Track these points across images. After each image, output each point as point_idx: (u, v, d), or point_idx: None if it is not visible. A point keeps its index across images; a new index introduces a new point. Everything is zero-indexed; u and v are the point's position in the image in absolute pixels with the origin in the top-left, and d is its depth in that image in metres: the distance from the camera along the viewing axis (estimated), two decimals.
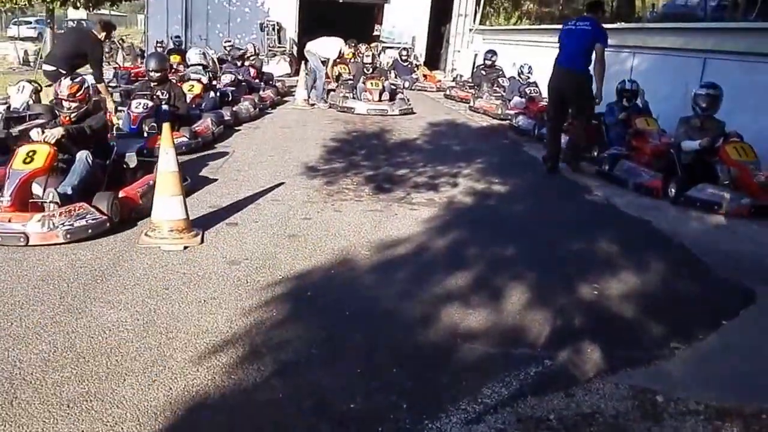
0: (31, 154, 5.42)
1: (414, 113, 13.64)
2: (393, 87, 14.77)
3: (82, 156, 5.58)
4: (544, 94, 10.84)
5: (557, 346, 3.78)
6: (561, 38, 8.67)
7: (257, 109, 12.51)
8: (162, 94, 8.92)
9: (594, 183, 8.06)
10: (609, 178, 8.14)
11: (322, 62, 14.27)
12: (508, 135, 11.85)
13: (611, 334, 3.99)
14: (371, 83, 13.90)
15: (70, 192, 5.37)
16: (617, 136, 8.99)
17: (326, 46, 14.33)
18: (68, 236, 4.99)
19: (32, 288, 4.27)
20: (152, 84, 9.14)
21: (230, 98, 11.88)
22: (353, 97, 13.96)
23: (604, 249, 5.65)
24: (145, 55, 19.38)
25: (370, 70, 14.56)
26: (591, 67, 8.25)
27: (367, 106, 13.42)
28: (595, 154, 9.03)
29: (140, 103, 8.72)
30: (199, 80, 11.35)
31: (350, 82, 14.89)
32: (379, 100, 13.64)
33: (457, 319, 4.07)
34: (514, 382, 3.36)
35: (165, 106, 8.81)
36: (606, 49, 8.19)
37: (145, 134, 8.28)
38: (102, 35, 9.26)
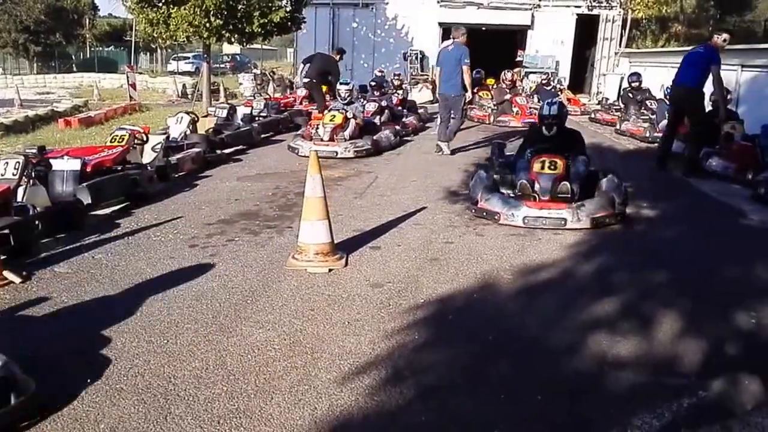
0: None
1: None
2: None
3: None
4: None
5: (712, 376, 3.61)
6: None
7: (398, 137, 12.58)
8: None
9: (749, 207, 7.65)
10: (765, 201, 7.74)
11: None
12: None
13: None
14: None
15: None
16: None
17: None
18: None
19: (187, 307, 4.50)
20: None
21: (374, 127, 12.14)
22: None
23: (761, 275, 5.38)
24: (295, 87, 20.38)
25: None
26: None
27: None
28: (750, 177, 8.60)
29: None
30: (339, 110, 11.41)
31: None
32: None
33: (605, 346, 3.96)
34: (666, 414, 3.22)
35: None
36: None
37: None
38: (337, 57, 15.18)
